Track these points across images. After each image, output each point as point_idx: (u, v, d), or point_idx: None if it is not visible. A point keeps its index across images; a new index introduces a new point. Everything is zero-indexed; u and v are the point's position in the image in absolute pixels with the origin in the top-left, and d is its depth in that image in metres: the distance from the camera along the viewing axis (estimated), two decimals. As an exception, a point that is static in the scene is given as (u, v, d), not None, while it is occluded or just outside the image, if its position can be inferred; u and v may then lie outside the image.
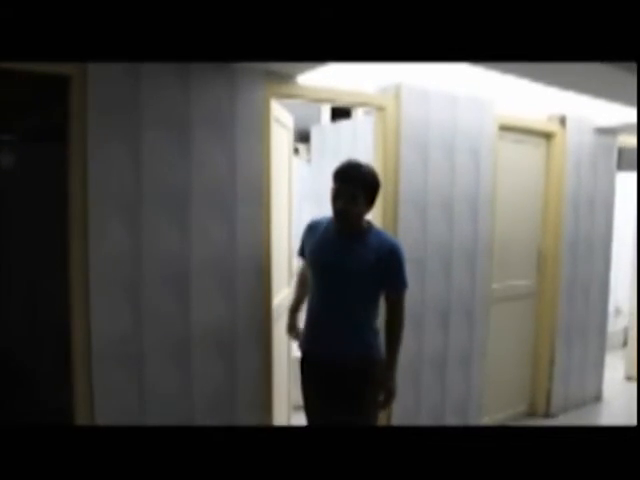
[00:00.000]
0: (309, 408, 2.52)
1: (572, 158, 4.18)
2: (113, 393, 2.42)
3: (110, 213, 2.33)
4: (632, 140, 4.76)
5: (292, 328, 2.71)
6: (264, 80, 2.69)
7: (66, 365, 2.53)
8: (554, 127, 4.08)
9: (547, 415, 4.22)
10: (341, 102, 3.20)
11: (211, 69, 2.52)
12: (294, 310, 2.73)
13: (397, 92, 3.15)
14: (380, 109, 3.15)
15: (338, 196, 2.32)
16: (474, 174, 3.55)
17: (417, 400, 3.42)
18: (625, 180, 5.31)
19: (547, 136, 4.12)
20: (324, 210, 4.71)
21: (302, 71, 2.74)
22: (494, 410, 3.93)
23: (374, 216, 3.35)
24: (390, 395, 2.43)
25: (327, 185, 4.94)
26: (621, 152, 4.98)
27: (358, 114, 4.70)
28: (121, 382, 2.44)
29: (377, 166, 3.28)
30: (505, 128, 3.77)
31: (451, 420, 3.57)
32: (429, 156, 3.33)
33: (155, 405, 2.52)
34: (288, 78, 2.78)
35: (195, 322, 2.59)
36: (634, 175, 5.29)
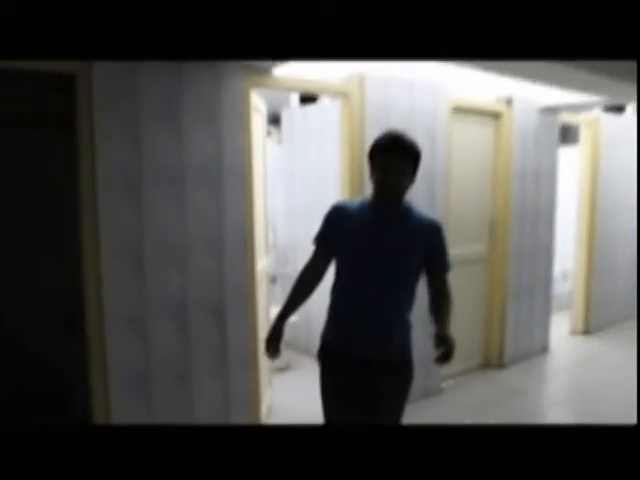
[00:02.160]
0: (331, 406, 2.29)
1: (518, 135, 4.63)
2: (122, 351, 2.77)
3: (116, 195, 2.66)
4: (572, 117, 5.25)
5: (276, 339, 2.33)
6: (244, 73, 3.02)
7: (72, 337, 2.86)
8: (502, 107, 4.52)
9: (500, 366, 4.74)
10: (312, 90, 3.56)
11: (199, 65, 2.84)
12: (285, 315, 2.36)
13: (361, 80, 3.52)
14: (346, 96, 3.52)
15: (388, 169, 2.12)
16: (430, 152, 3.96)
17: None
18: (566, 154, 5.82)
19: (495, 116, 4.56)
20: (297, 187, 5.07)
21: (277, 64, 3.07)
22: (453, 363, 4.39)
23: (343, 192, 3.74)
24: (452, 347, 2.20)
25: (299, 164, 5.29)
26: (563, 129, 5.48)
27: (324, 99, 5.04)
28: (129, 342, 2.79)
29: (344, 147, 3.68)
30: (458, 110, 4.19)
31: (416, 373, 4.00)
32: (390, 137, 3.71)
33: (158, 362, 2.88)
34: (265, 70, 3.12)
35: (191, 288, 2.95)
36: (574, 149, 5.82)
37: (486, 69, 3.13)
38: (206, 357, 3.06)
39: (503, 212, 4.66)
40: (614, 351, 5.31)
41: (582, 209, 5.69)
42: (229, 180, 3.03)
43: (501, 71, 3.21)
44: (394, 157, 2.11)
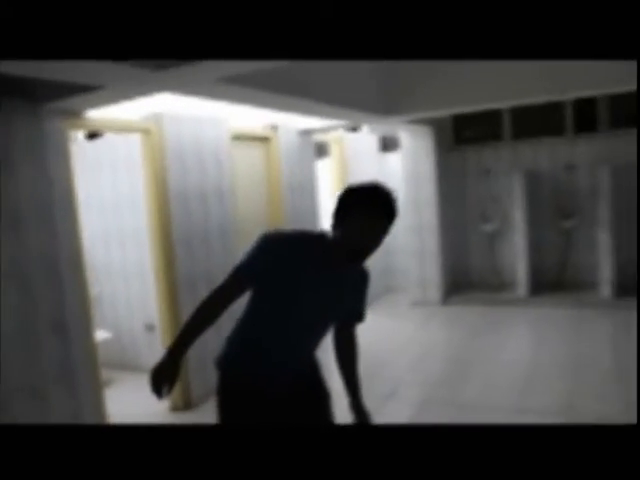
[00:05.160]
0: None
1: (284, 154, 5.71)
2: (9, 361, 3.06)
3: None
4: (323, 136, 6.53)
5: (173, 375, 1.91)
6: (63, 116, 3.46)
7: None
8: (269, 133, 5.54)
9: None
10: (119, 129, 4.12)
11: (25, 109, 3.22)
12: (187, 342, 1.97)
13: (158, 119, 4.20)
14: (147, 132, 4.16)
15: (370, 232, 1.85)
16: (218, 173, 4.78)
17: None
18: (323, 165, 7.15)
19: (265, 140, 5.56)
20: (94, 214, 5.43)
21: (89, 107, 3.56)
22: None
23: (150, 216, 4.34)
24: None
25: (94, 192, 5.68)
26: (320, 146, 6.78)
27: (109, 134, 5.48)
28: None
29: (148, 176, 4.29)
30: (236, 137, 5.07)
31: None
32: (186, 163, 4.45)
33: (13, 383, 3.17)
34: (79, 113, 3.60)
35: (39, 311, 3.31)
36: (324, 161, 7.17)
37: (259, 105, 4.03)
38: (57, 374, 3.42)
39: (277, 217, 5.67)
40: (380, 321, 6.72)
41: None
42: (59, 212, 3.45)
43: (272, 106, 4.15)
44: (381, 220, 1.85)
